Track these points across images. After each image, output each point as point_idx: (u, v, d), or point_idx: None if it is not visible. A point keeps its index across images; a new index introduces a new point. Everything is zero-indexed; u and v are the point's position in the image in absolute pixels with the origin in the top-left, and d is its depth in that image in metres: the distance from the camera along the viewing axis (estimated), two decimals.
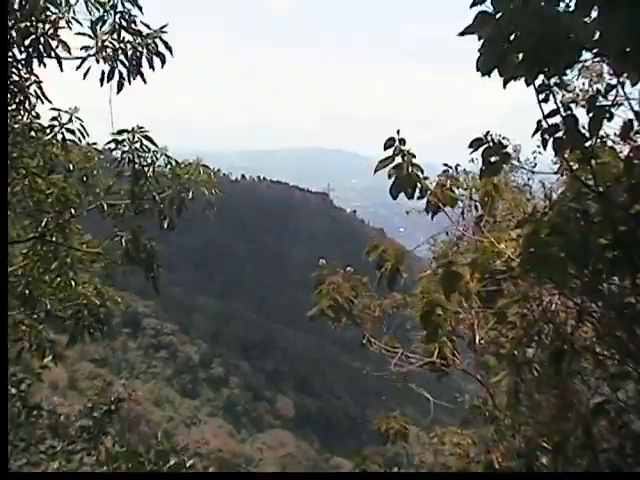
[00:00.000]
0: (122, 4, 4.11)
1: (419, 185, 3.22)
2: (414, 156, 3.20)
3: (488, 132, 2.75)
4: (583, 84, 4.39)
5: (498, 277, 3.41)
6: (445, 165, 3.28)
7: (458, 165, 3.12)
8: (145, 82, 4.23)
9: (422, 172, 3.23)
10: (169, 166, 4.84)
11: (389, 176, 3.15)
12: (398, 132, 3.13)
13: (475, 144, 2.82)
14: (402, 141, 3.15)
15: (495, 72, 2.20)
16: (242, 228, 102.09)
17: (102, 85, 4.21)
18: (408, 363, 4.67)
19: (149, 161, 4.71)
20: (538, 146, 5.88)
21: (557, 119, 2.38)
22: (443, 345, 4.24)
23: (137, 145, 4.60)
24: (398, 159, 3.17)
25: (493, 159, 2.73)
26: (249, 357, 65.15)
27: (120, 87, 4.21)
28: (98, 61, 4.17)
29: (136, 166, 4.66)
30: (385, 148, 3.16)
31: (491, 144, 2.74)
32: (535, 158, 5.88)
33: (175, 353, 60.00)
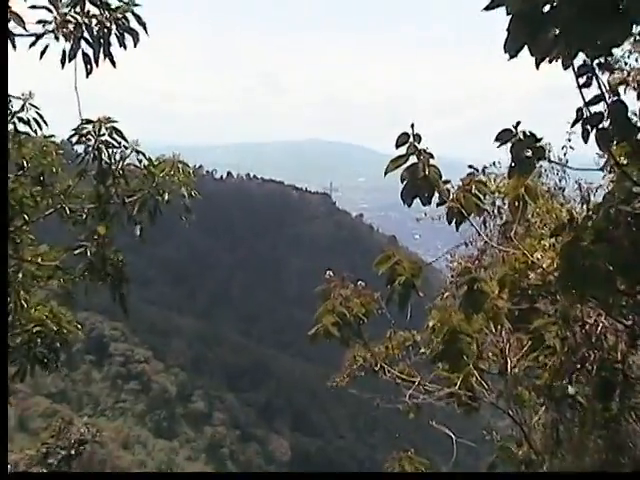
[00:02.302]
0: None
1: (437, 190, 3.18)
2: (431, 156, 3.16)
3: (518, 122, 2.75)
4: (636, 61, 4.35)
5: (532, 294, 3.44)
6: (470, 167, 3.25)
7: (486, 167, 3.11)
8: (114, 65, 4.24)
9: (440, 175, 3.19)
10: (142, 163, 4.83)
11: (402, 179, 3.13)
12: (413, 126, 3.08)
13: (503, 137, 2.81)
14: (417, 137, 3.11)
15: (524, 53, 2.20)
16: (229, 235, 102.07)
17: (63, 67, 4.17)
18: (427, 394, 4.68)
19: (118, 157, 4.71)
20: (569, 139, 5.93)
21: (601, 106, 2.35)
22: (468, 374, 4.22)
23: (104, 139, 4.58)
24: (413, 159, 3.15)
25: (525, 155, 2.73)
26: (236, 388, 64.96)
27: (88, 70, 4.18)
28: (58, 38, 4.13)
29: (102, 163, 4.64)
30: (397, 146, 3.12)
31: (522, 137, 2.75)
32: (565, 154, 5.88)
33: (148, 384, 59.92)
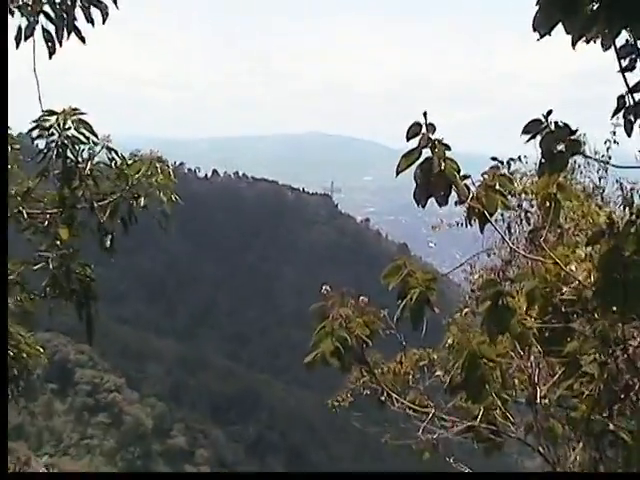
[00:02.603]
0: None
1: (455, 187, 3.09)
2: (448, 147, 3.07)
3: (550, 111, 2.73)
4: None
5: (566, 311, 3.41)
6: (494, 159, 3.22)
7: (512, 159, 3.07)
8: (84, 41, 4.17)
9: (459, 169, 3.10)
10: (114, 162, 4.78)
11: (415, 178, 3.06)
12: (425, 115, 2.99)
13: (532, 128, 2.79)
14: (431, 127, 3.02)
15: (556, 33, 2.18)
16: (214, 243, 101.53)
17: (18, 46, 4.11)
18: (443, 428, 4.68)
19: (86, 155, 4.67)
20: (614, 132, 5.88)
21: None
22: (490, 405, 4.16)
23: (70, 133, 4.53)
24: (426, 152, 3.07)
25: (557, 149, 2.72)
26: (223, 421, 64.62)
27: (51, 51, 4.11)
28: (12, 12, 4.07)
29: (68, 162, 4.59)
30: (408, 138, 3.03)
31: (553, 128, 2.73)
32: (609, 150, 5.83)
33: (120, 417, 59.38)
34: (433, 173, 3.05)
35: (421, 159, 3.09)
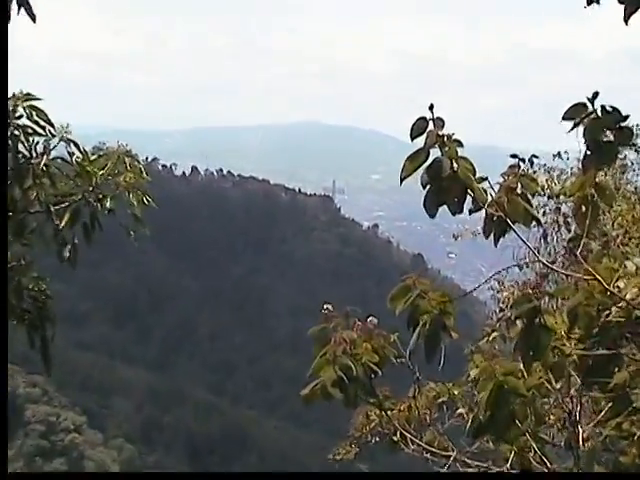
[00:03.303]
0: None
1: (471, 191, 3.08)
2: (460, 144, 3.05)
3: (596, 94, 2.70)
4: None
5: (613, 335, 3.33)
6: (514, 156, 3.21)
7: (535, 157, 3.05)
8: (34, 20, 4.23)
9: (474, 170, 3.09)
10: (74, 157, 4.75)
11: (423, 183, 3.03)
12: (432, 108, 2.97)
13: (575, 114, 2.78)
14: (439, 122, 3.01)
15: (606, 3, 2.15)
16: (194, 254, 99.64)
17: None
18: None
19: (41, 149, 4.65)
20: None
21: None
22: (523, 447, 4.14)
23: (21, 122, 4.52)
24: (434, 152, 3.06)
25: (605, 139, 2.69)
26: (203, 467, 64.12)
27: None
28: None
29: (19, 157, 4.58)
30: (413, 136, 3.02)
31: (600, 114, 2.72)
32: None
33: (79, 462, 58.87)
34: (444, 177, 3.03)
35: (429, 160, 3.05)
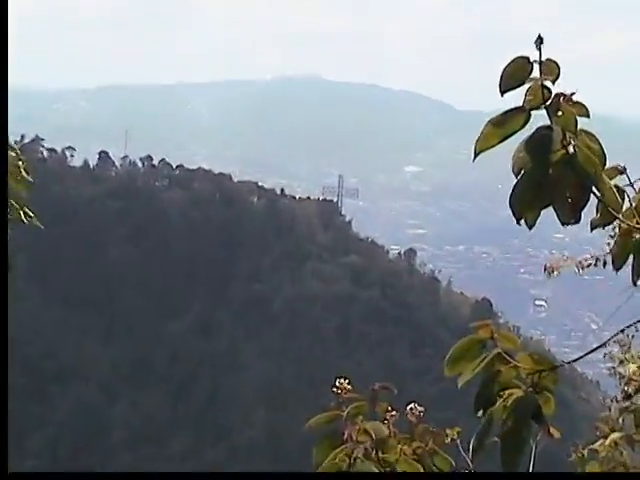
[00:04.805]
0: None
1: (597, 190, 2.21)
2: (585, 109, 2.19)
3: None
4: None
5: None
6: None
7: None
8: None
9: (604, 156, 2.22)
10: None
11: (515, 170, 2.17)
12: (540, 42, 2.08)
13: None
14: (549, 66, 2.14)
15: None
16: (98, 308, 64.54)
17: None
18: None
19: None
20: None
21: None
22: None
23: None
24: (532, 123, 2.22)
25: None
26: None
27: None
28: None
29: None
30: (504, 89, 2.16)
31: None
32: None
33: None
34: (552, 160, 2.17)
35: (528, 130, 2.20)
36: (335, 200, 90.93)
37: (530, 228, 2.20)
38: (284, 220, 74.91)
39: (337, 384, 2.70)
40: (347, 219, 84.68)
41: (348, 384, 2.71)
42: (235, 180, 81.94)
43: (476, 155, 2.21)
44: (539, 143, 2.19)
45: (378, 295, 68.48)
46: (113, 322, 68.33)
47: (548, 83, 2.15)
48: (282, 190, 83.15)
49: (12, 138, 4.42)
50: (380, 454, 2.72)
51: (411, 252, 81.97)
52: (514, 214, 2.19)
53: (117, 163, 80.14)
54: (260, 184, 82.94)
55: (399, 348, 60.38)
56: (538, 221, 2.20)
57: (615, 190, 2.28)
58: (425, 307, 67.75)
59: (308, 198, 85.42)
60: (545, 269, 4.54)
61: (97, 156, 78.60)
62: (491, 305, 68.04)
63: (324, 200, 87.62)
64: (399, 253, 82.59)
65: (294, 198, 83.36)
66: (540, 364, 2.31)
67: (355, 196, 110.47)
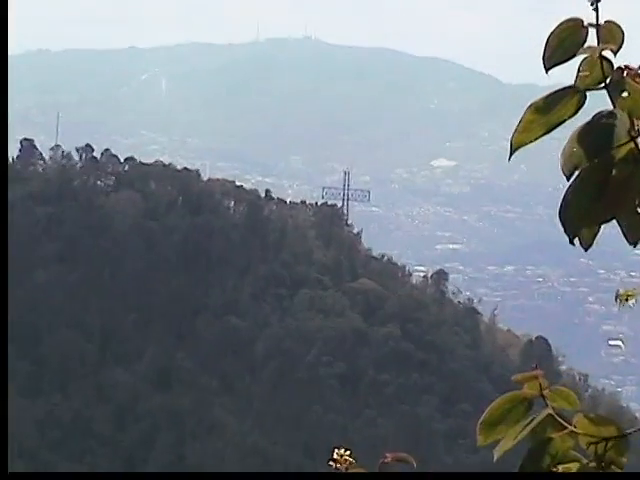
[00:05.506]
0: None
1: None
2: None
3: None
4: None
5: None
6: None
7: None
8: None
9: None
10: None
11: (566, 166, 2.26)
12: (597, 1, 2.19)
13: None
14: (610, 32, 2.26)
15: None
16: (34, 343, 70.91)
17: None
18: None
19: None
20: None
21: None
22: None
23: None
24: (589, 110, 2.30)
25: None
26: None
27: None
28: None
29: None
30: (549, 63, 2.29)
31: None
32: None
33: None
34: (615, 158, 2.25)
35: (583, 117, 2.28)
36: (339, 205, 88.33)
37: (586, 249, 2.15)
38: (270, 232, 74.22)
39: (335, 456, 2.57)
40: (355, 230, 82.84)
41: (350, 455, 2.58)
42: (204, 178, 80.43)
43: (513, 151, 2.19)
44: (598, 134, 2.19)
45: (397, 333, 67.74)
46: (40, 372, 66.34)
47: (609, 54, 2.17)
48: (267, 191, 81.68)
49: None
50: None
51: (441, 275, 79.79)
52: (565, 230, 2.15)
53: (45, 155, 77.19)
54: (238, 183, 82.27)
55: (426, 404, 59.11)
56: (611, 235, 2.22)
57: None
58: (460, 349, 66.87)
59: (303, 202, 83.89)
60: (617, 297, 4.41)
61: (18, 146, 74.69)
62: (549, 346, 67.37)
63: (324, 205, 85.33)
64: (425, 276, 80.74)
65: (284, 202, 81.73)
66: (605, 429, 2.27)
67: (366, 199, 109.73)
